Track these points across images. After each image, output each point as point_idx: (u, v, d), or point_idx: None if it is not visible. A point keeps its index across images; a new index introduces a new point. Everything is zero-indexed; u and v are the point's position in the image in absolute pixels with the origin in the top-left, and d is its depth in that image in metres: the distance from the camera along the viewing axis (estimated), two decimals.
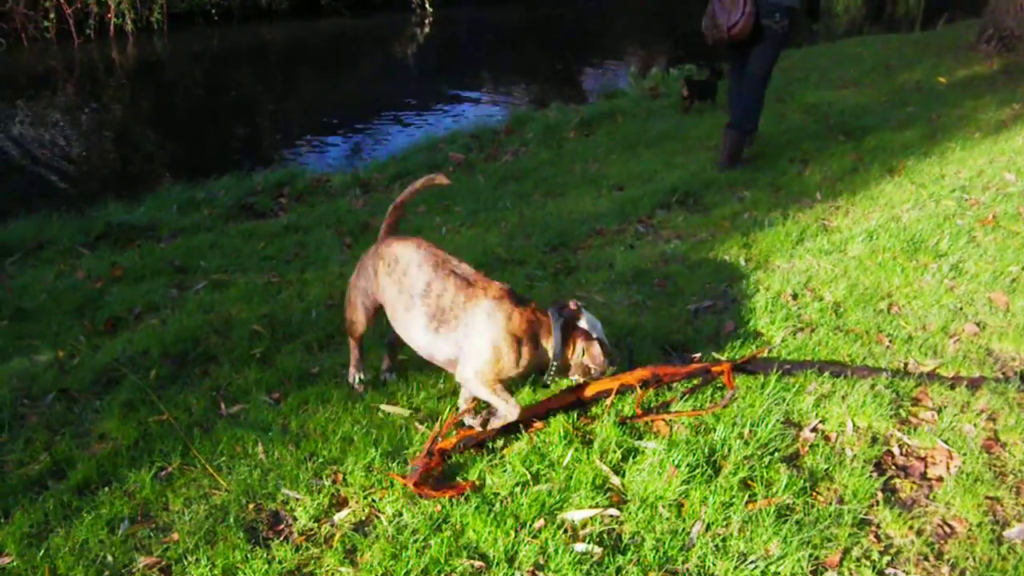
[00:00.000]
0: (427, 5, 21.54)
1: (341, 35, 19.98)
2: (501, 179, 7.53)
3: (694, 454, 3.52)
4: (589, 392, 3.89)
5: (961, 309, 5.05)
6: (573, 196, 6.87)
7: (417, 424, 3.85)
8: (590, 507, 3.27)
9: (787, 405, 3.95)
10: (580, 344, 3.71)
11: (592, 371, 3.78)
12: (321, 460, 3.59)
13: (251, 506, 3.35)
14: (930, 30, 21.32)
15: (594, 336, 3.73)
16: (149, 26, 17.49)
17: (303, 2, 20.29)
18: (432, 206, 6.92)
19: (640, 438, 3.71)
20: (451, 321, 3.61)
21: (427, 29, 21.12)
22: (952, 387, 4.18)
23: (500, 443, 3.69)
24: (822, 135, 8.85)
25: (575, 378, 3.84)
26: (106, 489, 3.46)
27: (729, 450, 3.59)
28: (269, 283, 5.39)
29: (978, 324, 4.90)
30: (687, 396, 4.03)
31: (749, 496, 3.34)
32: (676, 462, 3.45)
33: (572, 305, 3.77)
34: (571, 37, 22.31)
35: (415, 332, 3.70)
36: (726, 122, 7.68)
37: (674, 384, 4.12)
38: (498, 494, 3.37)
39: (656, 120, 9.56)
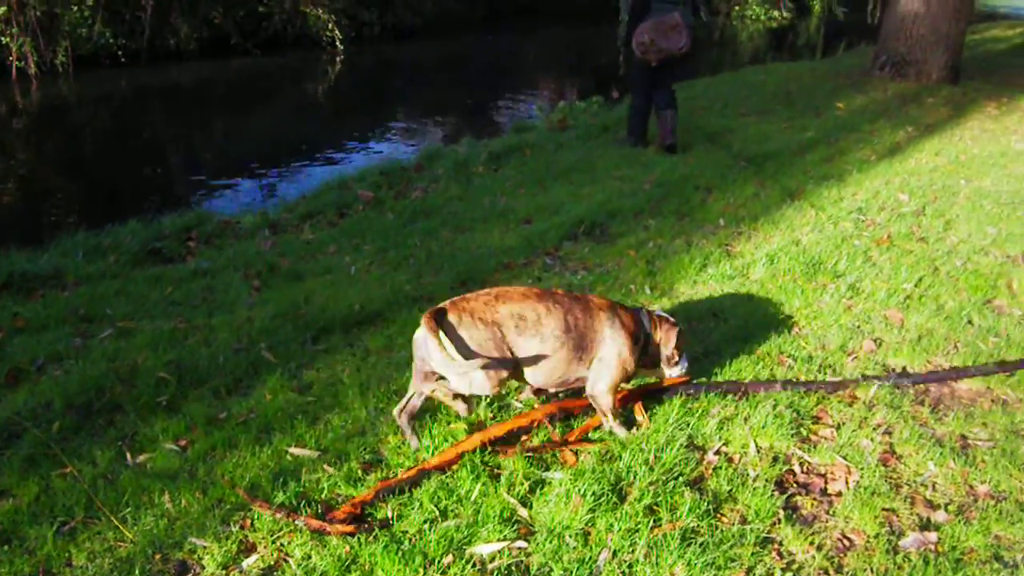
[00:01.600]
0: (337, 43, 21.55)
1: (252, 75, 19.85)
2: (410, 216, 7.55)
3: (600, 482, 3.57)
4: (501, 430, 3.94)
5: (859, 327, 5.22)
6: (481, 230, 6.93)
7: (326, 466, 3.83)
8: (498, 540, 3.30)
9: (691, 429, 4.03)
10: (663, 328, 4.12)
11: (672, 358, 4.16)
12: (229, 506, 3.56)
13: (157, 556, 3.30)
14: (830, 56, 22.01)
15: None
16: (54, 69, 17.15)
17: (212, 42, 20.12)
18: (342, 245, 6.91)
19: (547, 469, 3.75)
20: (588, 344, 3.88)
21: (339, 67, 21.10)
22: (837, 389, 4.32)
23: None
24: (725, 163, 9.07)
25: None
26: (5, 548, 3.37)
27: (635, 477, 3.65)
28: (176, 329, 5.32)
29: (875, 341, 5.07)
30: (598, 427, 4.09)
31: (654, 521, 3.40)
32: (582, 491, 3.50)
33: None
34: (482, 72, 22.49)
35: (563, 369, 3.87)
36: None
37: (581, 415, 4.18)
38: (407, 532, 3.37)
39: (564, 152, 9.69)
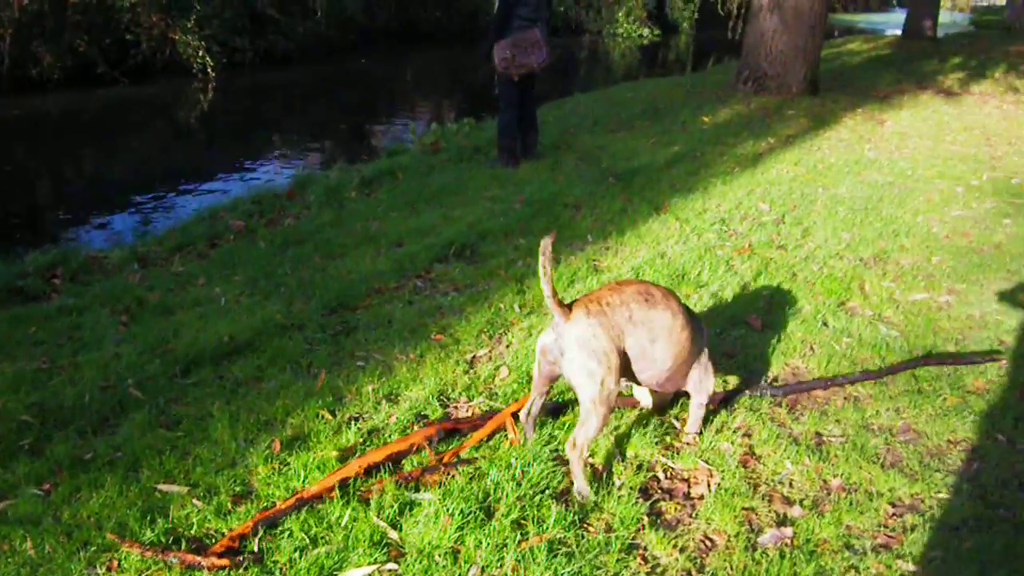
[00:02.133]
0: (209, 70, 21.23)
1: (120, 104, 19.36)
2: (282, 244, 7.48)
3: (468, 501, 3.63)
4: (380, 455, 3.96)
5: (720, 334, 5.40)
6: (353, 256, 6.92)
7: (195, 501, 3.79)
8: (368, 564, 3.32)
9: (557, 443, 4.13)
10: None
11: None
12: (95, 548, 3.49)
13: None
14: (700, 72, 22.65)
15: None
16: None
17: (77, 71, 19.58)
18: (212, 276, 6.81)
19: (417, 490, 3.79)
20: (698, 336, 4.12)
21: (211, 95, 20.78)
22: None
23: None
24: (595, 179, 9.25)
25: None
26: None
27: (503, 493, 3.72)
28: (39, 369, 5.18)
29: (735, 347, 5.25)
30: (477, 446, 4.14)
31: (522, 535, 3.47)
32: (450, 510, 3.55)
33: None
34: (358, 97, 22.46)
35: (685, 358, 4.02)
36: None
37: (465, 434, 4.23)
38: (278, 562, 3.37)
39: (436, 175, 9.75)
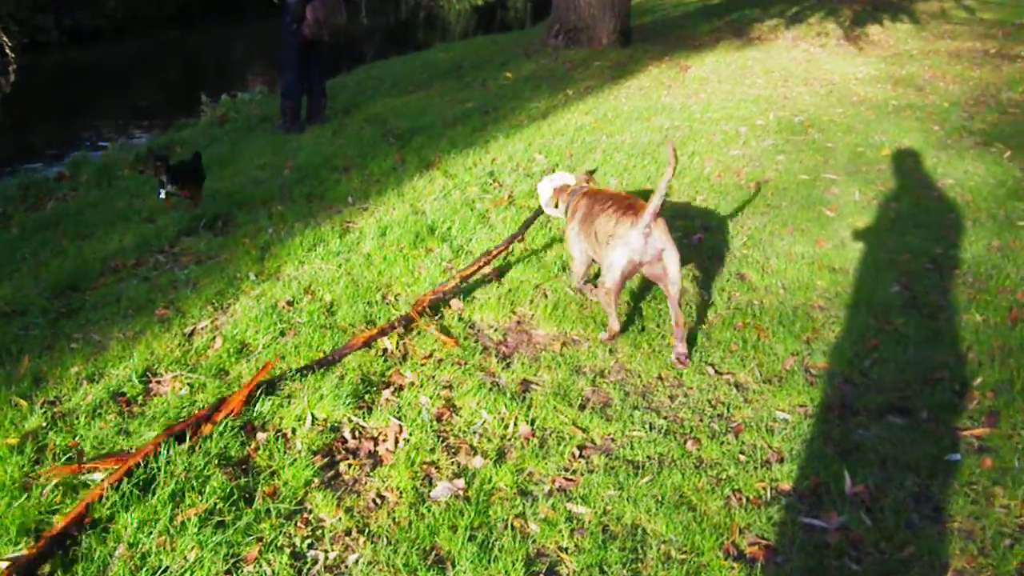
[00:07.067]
0: (8, 51, 20.15)
1: None
2: (36, 228, 7.12)
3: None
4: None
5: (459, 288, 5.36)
6: (100, 236, 6.61)
7: None
8: None
9: (251, 410, 4.02)
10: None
11: None
12: None
13: None
14: (535, 28, 22.63)
15: None
16: None
17: None
18: None
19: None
20: None
21: (13, 77, 19.74)
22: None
23: None
24: (375, 140, 9.11)
25: None
26: None
27: (168, 463, 3.58)
28: None
29: (463, 298, 5.23)
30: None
31: (176, 508, 3.36)
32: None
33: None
34: (171, 72, 21.75)
35: None
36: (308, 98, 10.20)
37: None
38: None
39: (215, 146, 9.42)
